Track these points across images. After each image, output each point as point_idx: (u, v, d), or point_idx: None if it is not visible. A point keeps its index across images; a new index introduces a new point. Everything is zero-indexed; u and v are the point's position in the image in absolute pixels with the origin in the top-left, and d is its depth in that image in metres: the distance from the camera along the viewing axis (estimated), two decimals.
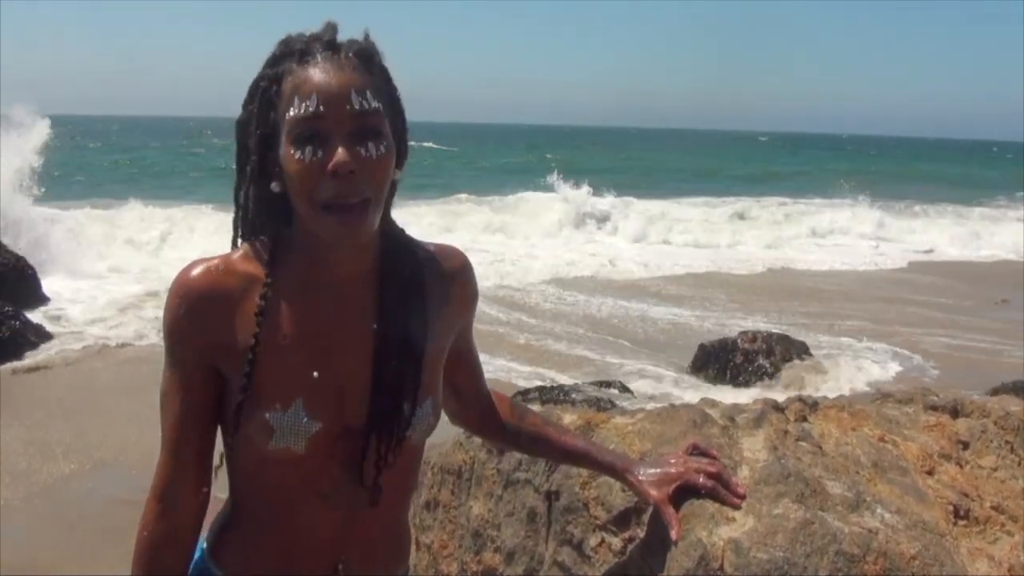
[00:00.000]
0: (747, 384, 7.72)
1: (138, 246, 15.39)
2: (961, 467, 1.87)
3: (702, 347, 8.29)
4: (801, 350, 8.10)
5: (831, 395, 2.51)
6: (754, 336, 8.13)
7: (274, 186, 1.34)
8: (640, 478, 1.63)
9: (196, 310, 1.33)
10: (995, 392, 5.60)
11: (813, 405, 2.08)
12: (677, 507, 1.60)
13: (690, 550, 1.54)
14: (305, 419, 1.35)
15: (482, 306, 1.54)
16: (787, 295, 13.13)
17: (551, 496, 1.99)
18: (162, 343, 1.38)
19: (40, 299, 10.60)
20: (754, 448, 1.78)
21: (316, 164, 1.26)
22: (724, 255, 18.39)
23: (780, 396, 2.33)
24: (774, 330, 8.74)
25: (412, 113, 1.42)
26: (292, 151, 1.27)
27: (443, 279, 1.51)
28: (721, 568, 1.50)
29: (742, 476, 1.66)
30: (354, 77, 1.29)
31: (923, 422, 2.03)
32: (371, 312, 1.41)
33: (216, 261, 1.36)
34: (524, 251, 17.59)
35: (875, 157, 68.26)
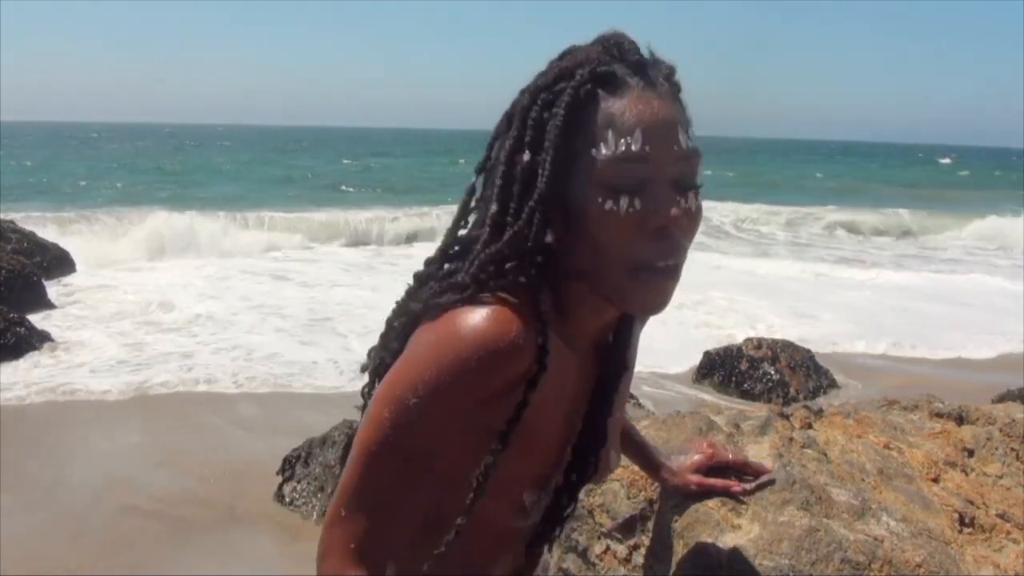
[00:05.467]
0: (752, 391, 7.70)
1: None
2: (966, 474, 1.87)
3: (707, 354, 8.27)
4: (807, 357, 8.09)
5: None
6: (759, 343, 8.11)
7: (548, 236, 1.11)
8: (673, 474, 1.67)
9: (487, 371, 1.07)
10: (1000, 399, 5.59)
11: (818, 412, 2.07)
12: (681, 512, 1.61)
13: (695, 557, 1.54)
14: (549, 494, 1.29)
15: None
16: None
17: None
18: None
19: (46, 305, 10.62)
20: (759, 455, 1.78)
21: (634, 218, 1.04)
22: None
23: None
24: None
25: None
26: (601, 199, 1.05)
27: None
28: None
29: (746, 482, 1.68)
30: (677, 110, 1.08)
31: (928, 429, 2.03)
32: (595, 368, 1.29)
33: (506, 313, 1.08)
34: None
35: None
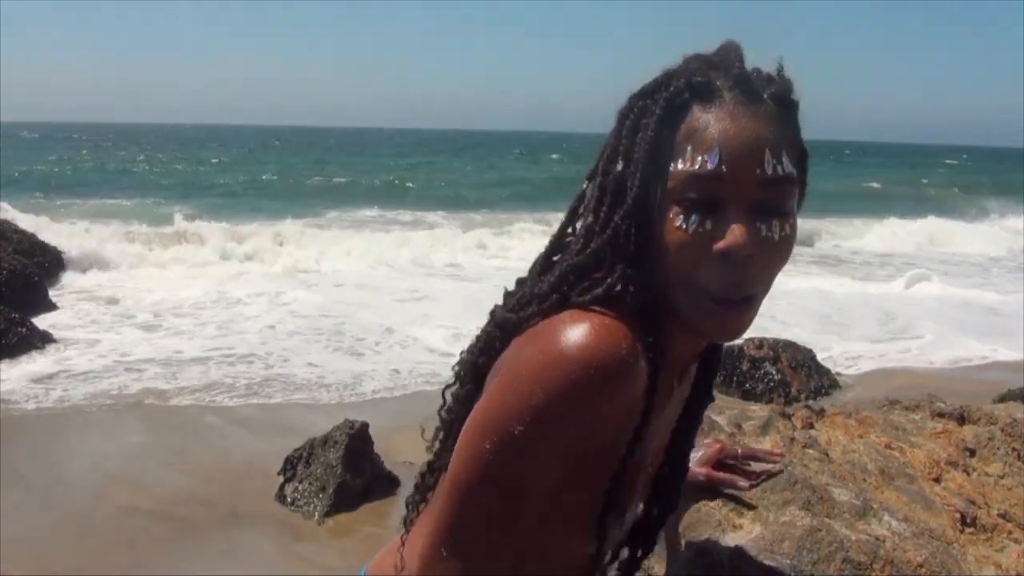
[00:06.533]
0: (754, 391, 7.70)
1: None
2: (968, 474, 1.87)
3: None
4: (808, 357, 8.08)
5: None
6: (760, 343, 8.10)
7: (631, 248, 1.07)
8: None
9: (599, 394, 0.98)
10: (1002, 399, 5.59)
11: (820, 412, 2.07)
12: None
13: (697, 557, 1.54)
14: (628, 522, 1.24)
15: None
16: None
17: None
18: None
19: (47, 306, 10.64)
20: None
21: (702, 237, 0.98)
22: None
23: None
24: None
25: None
26: (672, 215, 1.00)
27: None
28: (728, 575, 1.50)
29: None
30: (769, 131, 1.00)
31: (930, 429, 2.03)
32: (680, 397, 1.23)
33: (613, 328, 1.00)
34: None
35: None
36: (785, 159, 1.00)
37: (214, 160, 46.09)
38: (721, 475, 1.63)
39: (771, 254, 1.01)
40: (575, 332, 0.98)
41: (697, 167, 0.98)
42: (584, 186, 1.14)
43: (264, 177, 35.31)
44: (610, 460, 1.06)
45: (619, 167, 1.06)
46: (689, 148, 0.99)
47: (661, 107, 1.02)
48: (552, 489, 1.03)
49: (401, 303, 11.85)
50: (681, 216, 0.99)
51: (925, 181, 40.83)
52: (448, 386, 1.23)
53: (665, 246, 1.01)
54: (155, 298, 11.75)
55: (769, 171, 0.98)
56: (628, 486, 1.14)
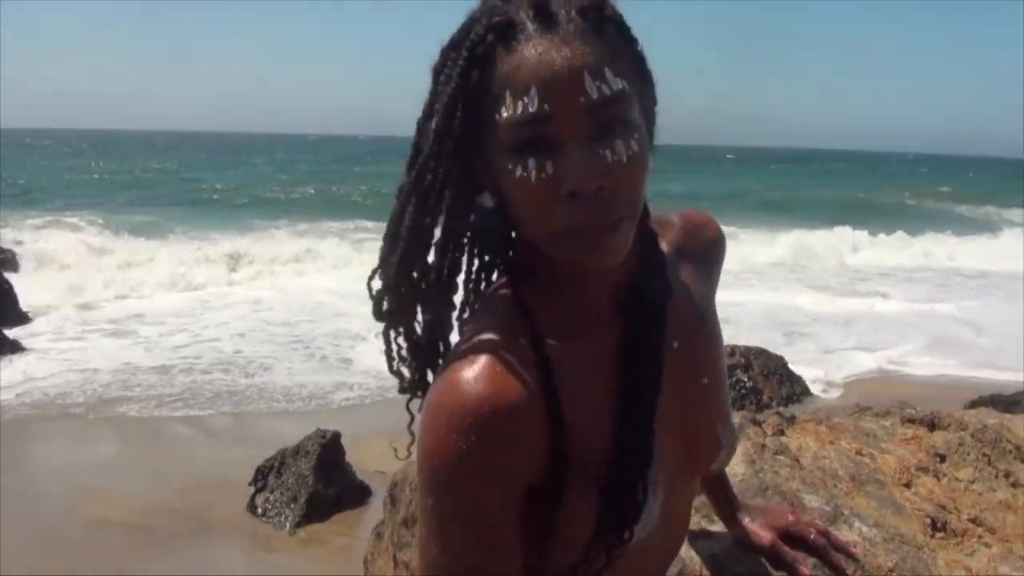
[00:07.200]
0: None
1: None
2: (938, 480, 1.88)
3: None
4: (780, 365, 8.12)
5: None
6: (732, 350, 8.12)
7: (486, 199, 1.03)
8: (747, 523, 1.53)
9: (500, 440, 0.94)
10: (972, 405, 5.64)
11: (791, 419, 2.08)
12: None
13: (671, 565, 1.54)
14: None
15: None
16: None
17: None
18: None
19: (18, 315, 10.51)
20: (733, 462, 1.78)
21: (547, 183, 0.91)
22: None
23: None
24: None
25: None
26: (510, 165, 0.93)
27: (699, 275, 1.20)
28: None
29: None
30: (584, 52, 0.91)
31: (900, 435, 2.04)
32: (618, 341, 1.07)
33: (485, 360, 0.96)
34: None
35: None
36: (609, 75, 0.92)
37: (194, 167, 45.74)
38: (788, 550, 1.48)
39: (624, 176, 0.93)
40: (457, 386, 0.95)
41: (519, 113, 0.91)
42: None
43: (243, 186, 34.99)
44: (544, 465, 0.99)
45: (435, 124, 0.99)
46: (507, 95, 0.91)
47: (464, 58, 0.94)
48: (514, 524, 0.98)
49: None
50: (520, 167, 0.92)
51: (906, 193, 41.10)
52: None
53: (515, 201, 0.95)
54: (126, 307, 11.68)
55: (594, 95, 0.91)
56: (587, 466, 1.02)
